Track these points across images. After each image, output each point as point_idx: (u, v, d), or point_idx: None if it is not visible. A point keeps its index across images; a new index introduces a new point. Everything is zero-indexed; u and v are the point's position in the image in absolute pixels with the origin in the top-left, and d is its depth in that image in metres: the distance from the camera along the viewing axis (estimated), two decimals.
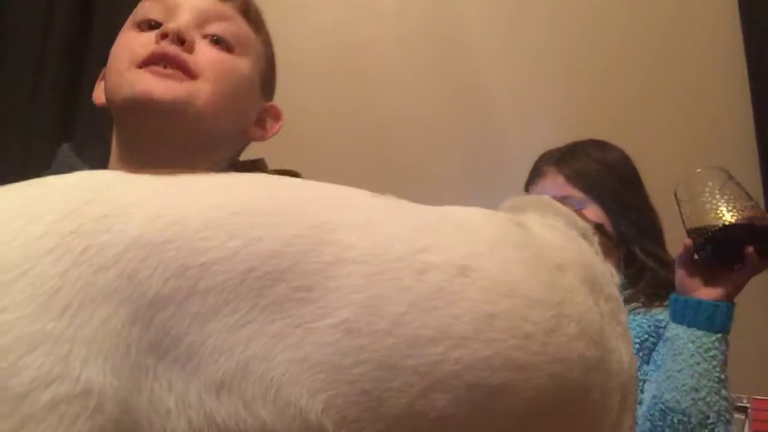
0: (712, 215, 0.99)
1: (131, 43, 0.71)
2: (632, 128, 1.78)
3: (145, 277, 0.38)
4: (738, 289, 1.01)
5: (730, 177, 1.02)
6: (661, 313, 1.13)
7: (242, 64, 0.75)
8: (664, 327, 1.09)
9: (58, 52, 1.51)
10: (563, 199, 1.19)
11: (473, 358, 0.43)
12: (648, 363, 1.09)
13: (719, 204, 0.99)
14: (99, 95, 0.79)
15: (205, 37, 0.73)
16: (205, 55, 0.71)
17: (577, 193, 1.24)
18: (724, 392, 0.97)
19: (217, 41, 0.74)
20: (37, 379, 0.33)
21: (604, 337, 0.53)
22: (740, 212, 0.98)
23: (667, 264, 1.18)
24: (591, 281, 0.56)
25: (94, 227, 0.39)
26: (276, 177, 0.51)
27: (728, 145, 1.76)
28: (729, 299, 1.01)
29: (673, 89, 1.82)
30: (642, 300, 1.17)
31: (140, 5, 0.76)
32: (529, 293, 0.48)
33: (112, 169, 0.77)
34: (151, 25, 0.73)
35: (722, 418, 0.96)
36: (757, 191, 1.69)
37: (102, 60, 0.78)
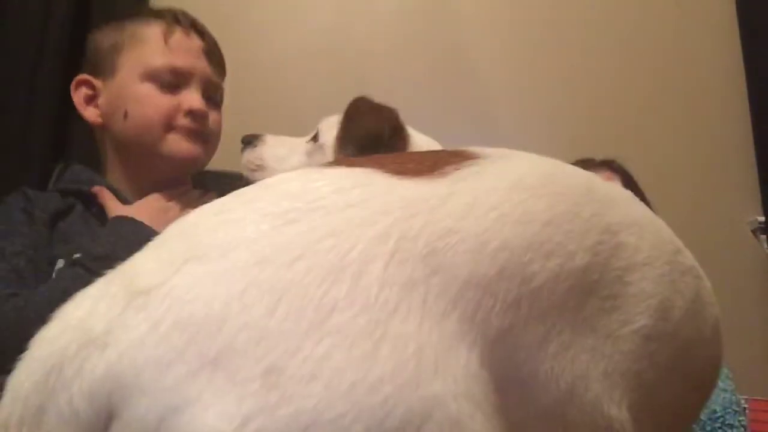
0: None
1: (158, 104, 0.95)
2: (631, 129, 1.78)
3: (485, 317, 0.36)
4: None
5: None
6: None
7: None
8: None
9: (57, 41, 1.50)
10: None
11: (713, 361, 0.49)
12: None
13: None
14: (93, 116, 0.99)
15: (205, 95, 1.00)
16: (212, 121, 1.01)
17: None
18: None
19: (215, 101, 1.03)
20: None
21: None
22: None
23: None
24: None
25: (423, 273, 0.35)
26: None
27: (727, 147, 1.76)
28: None
29: (670, 88, 1.82)
30: None
31: (153, 62, 0.96)
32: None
33: (114, 183, 0.96)
34: (167, 83, 0.96)
35: None
36: (754, 192, 1.69)
37: None
